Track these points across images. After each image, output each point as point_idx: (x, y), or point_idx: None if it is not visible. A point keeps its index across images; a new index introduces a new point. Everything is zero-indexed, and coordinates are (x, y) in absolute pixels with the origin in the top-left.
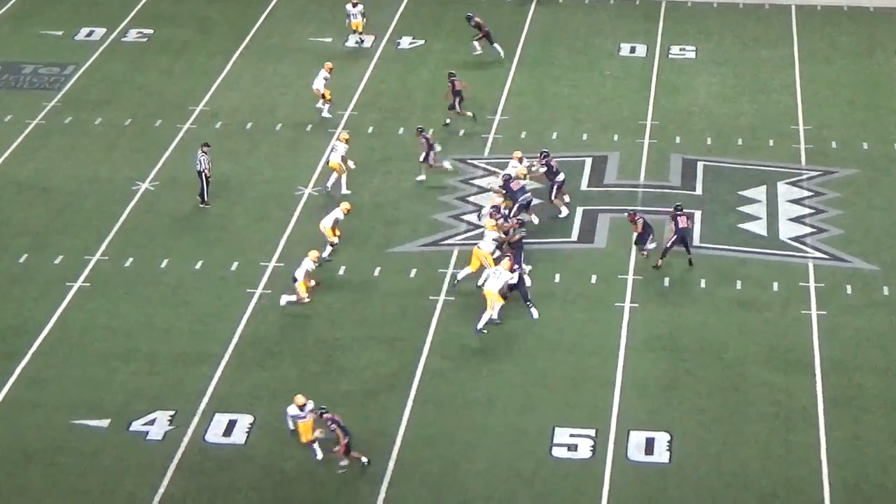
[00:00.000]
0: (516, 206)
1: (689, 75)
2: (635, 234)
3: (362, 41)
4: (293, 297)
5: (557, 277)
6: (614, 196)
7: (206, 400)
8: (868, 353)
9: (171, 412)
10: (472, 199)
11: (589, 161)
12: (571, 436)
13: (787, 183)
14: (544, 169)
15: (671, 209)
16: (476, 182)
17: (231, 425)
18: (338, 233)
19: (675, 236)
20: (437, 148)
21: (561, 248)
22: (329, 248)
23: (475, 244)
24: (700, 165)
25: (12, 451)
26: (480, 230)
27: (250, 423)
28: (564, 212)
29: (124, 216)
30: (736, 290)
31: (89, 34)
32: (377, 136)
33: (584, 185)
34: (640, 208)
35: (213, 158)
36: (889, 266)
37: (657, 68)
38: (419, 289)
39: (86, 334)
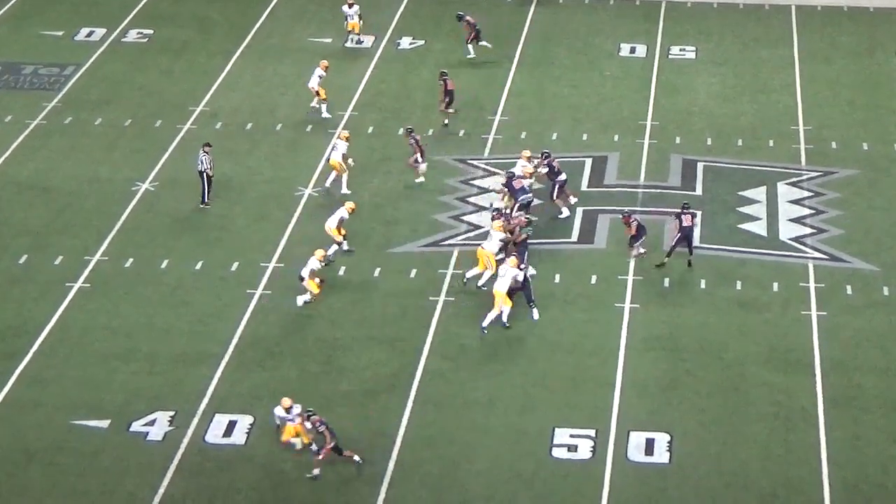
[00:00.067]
0: (516, 204)
1: (689, 75)
2: (629, 236)
3: (361, 41)
4: (307, 297)
5: (557, 278)
6: (614, 196)
7: (206, 400)
8: (868, 353)
9: (171, 413)
10: (472, 199)
11: (589, 161)
12: (571, 436)
13: (787, 183)
14: (546, 169)
15: (678, 208)
16: (476, 182)
17: (231, 426)
18: (343, 232)
19: (679, 234)
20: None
21: (561, 249)
22: (334, 248)
23: (476, 244)
24: (700, 166)
25: (12, 451)
26: (481, 230)
27: (250, 424)
28: (565, 212)
29: (124, 216)
30: (736, 290)
31: (89, 34)
32: (377, 136)
33: (584, 186)
34: (639, 208)
35: (214, 159)
36: (889, 266)
37: (657, 68)
38: (419, 289)
39: (86, 334)
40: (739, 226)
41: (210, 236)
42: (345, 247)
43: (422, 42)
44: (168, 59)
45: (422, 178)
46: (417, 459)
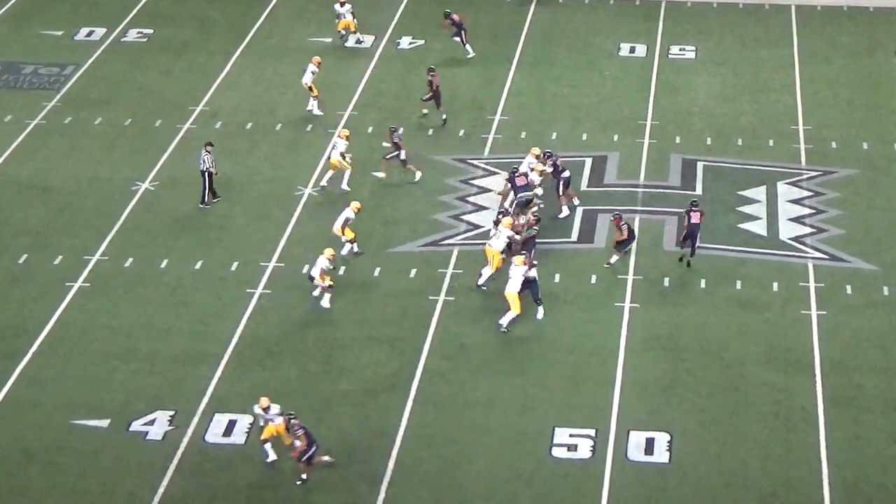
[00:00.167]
0: (515, 202)
1: (689, 75)
2: (617, 238)
3: (362, 41)
4: (328, 296)
5: (557, 277)
6: (614, 196)
7: (205, 400)
8: (868, 353)
9: (171, 412)
10: (471, 199)
11: (589, 161)
12: (571, 436)
13: (786, 183)
14: (550, 169)
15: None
16: (476, 182)
17: (231, 425)
18: (352, 234)
19: (686, 230)
20: (386, 145)
21: (561, 248)
22: (347, 247)
23: (475, 244)
24: (700, 165)
25: (12, 451)
26: (480, 230)
27: (250, 424)
28: (565, 211)
29: (124, 216)
30: (736, 290)
31: (89, 34)
32: (377, 135)
33: (584, 185)
34: (639, 208)
35: (216, 158)
36: (889, 266)
37: (657, 68)
38: (419, 289)
39: (86, 334)
40: (739, 225)
41: (210, 236)
42: (354, 248)
43: (422, 42)
44: (168, 58)
45: (418, 175)
46: (417, 459)
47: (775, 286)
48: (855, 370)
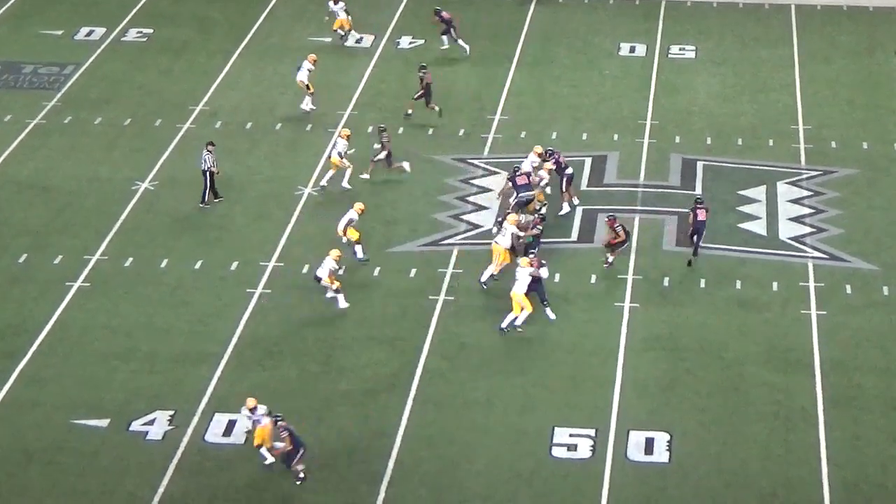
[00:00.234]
0: (515, 201)
1: (689, 75)
2: (613, 240)
3: (360, 39)
4: (340, 296)
5: (557, 277)
6: (614, 196)
7: (205, 400)
8: (868, 353)
9: (171, 412)
10: (471, 198)
11: (588, 161)
12: (571, 436)
13: (786, 183)
14: (554, 167)
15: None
16: (476, 182)
17: (231, 425)
18: (357, 236)
19: (692, 228)
20: (376, 146)
21: (561, 248)
22: (359, 247)
23: (473, 243)
24: (700, 165)
25: (12, 451)
26: (480, 229)
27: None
28: (565, 208)
29: (124, 216)
30: (736, 290)
31: (89, 34)
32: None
33: (583, 185)
34: (639, 208)
35: (217, 158)
36: (889, 266)
37: (657, 68)
38: (419, 289)
39: (86, 334)
40: (739, 225)
41: (210, 236)
42: (360, 255)
43: (421, 41)
44: (168, 58)
45: (407, 170)
46: (417, 459)
47: (775, 286)
48: (855, 370)
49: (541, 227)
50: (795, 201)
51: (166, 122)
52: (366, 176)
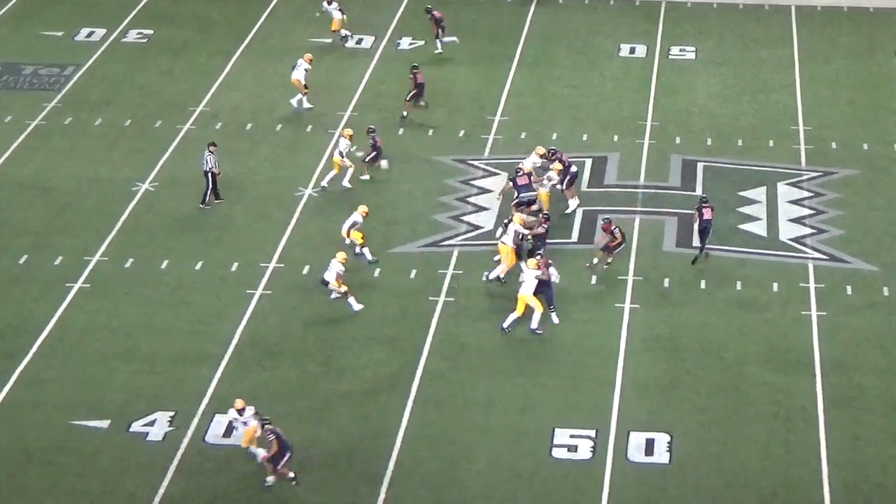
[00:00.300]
0: (515, 201)
1: (689, 76)
2: (611, 243)
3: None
4: (351, 298)
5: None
6: (614, 196)
7: (205, 400)
8: (868, 353)
9: (171, 413)
10: (472, 199)
11: (589, 161)
12: (571, 436)
13: (787, 183)
14: (560, 166)
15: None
16: (476, 183)
17: (231, 426)
18: (362, 238)
19: (698, 227)
20: (360, 154)
21: (561, 249)
22: (366, 249)
23: (473, 244)
24: (700, 166)
25: (12, 451)
26: (481, 230)
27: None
28: (572, 205)
29: (124, 216)
30: (736, 290)
31: (89, 35)
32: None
33: (584, 186)
34: (639, 208)
35: (219, 158)
36: (889, 266)
37: (657, 69)
38: (419, 289)
39: (86, 334)
40: (739, 226)
41: (210, 236)
42: (367, 256)
43: (422, 42)
44: (168, 59)
45: (367, 176)
46: (417, 459)
47: (775, 287)
48: (855, 370)
49: (545, 227)
50: (796, 202)
51: (166, 122)
52: (366, 177)
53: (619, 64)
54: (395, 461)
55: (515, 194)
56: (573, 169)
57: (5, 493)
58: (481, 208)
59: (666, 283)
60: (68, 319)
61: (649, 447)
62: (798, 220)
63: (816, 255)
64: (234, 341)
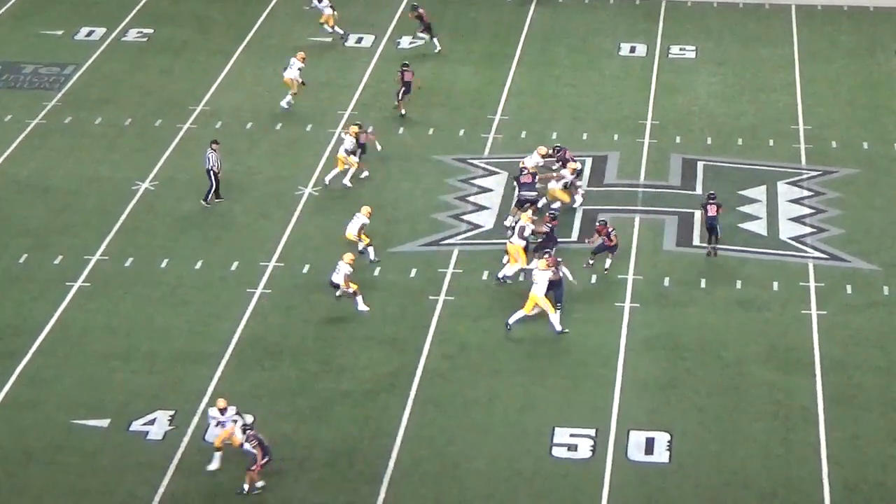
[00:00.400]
0: (515, 200)
1: (689, 75)
2: (608, 242)
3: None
4: (359, 298)
5: None
6: (614, 196)
7: (206, 400)
8: (868, 352)
9: (171, 412)
10: (472, 198)
11: (589, 161)
12: (571, 435)
13: (787, 183)
14: (560, 165)
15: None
16: (476, 182)
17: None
18: (367, 239)
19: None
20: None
21: (561, 248)
22: (371, 250)
23: (473, 243)
24: (700, 165)
25: (12, 451)
26: (481, 229)
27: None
28: (578, 201)
29: (124, 216)
30: (736, 289)
31: (89, 34)
32: (377, 135)
33: (583, 185)
34: (639, 208)
35: (222, 156)
36: (889, 266)
37: (657, 68)
38: (419, 289)
39: (86, 334)
40: (739, 225)
41: (210, 235)
42: (370, 254)
43: (421, 41)
44: (168, 58)
45: (366, 173)
46: (417, 459)
47: (775, 286)
48: (855, 369)
49: (550, 225)
50: (796, 201)
51: (166, 122)
52: (366, 174)
53: (619, 63)
54: (394, 460)
55: (516, 192)
56: (578, 166)
57: (5, 492)
58: (481, 207)
59: (666, 282)
60: (68, 319)
61: (649, 446)
62: (798, 219)
63: (816, 254)
64: (234, 340)
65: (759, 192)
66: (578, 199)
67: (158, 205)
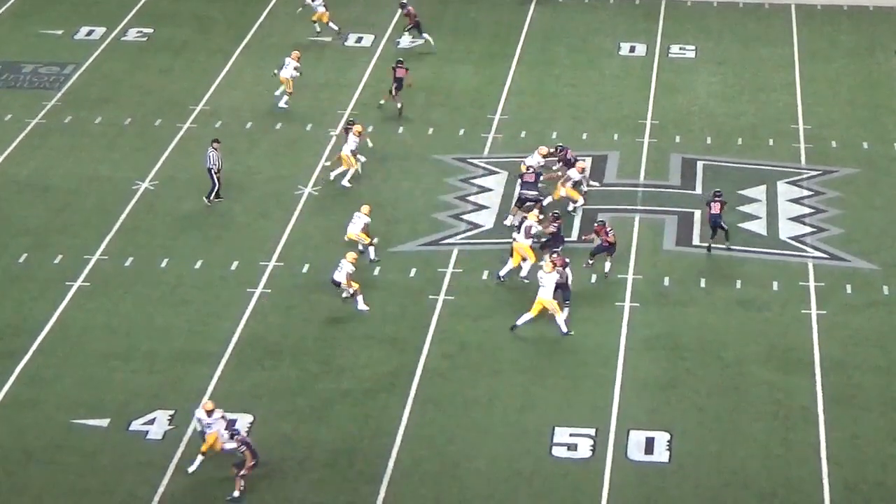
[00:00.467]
0: (516, 198)
1: (689, 74)
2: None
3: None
4: (360, 297)
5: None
6: (614, 195)
7: (205, 399)
8: (868, 352)
9: (171, 411)
10: (471, 198)
11: (589, 160)
12: (571, 435)
13: (786, 182)
14: (561, 164)
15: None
16: (476, 181)
17: (230, 425)
18: (370, 238)
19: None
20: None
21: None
22: (372, 250)
23: (473, 243)
24: (700, 165)
25: (12, 451)
26: (480, 229)
27: (250, 423)
28: (580, 201)
29: (124, 215)
30: (736, 289)
31: (89, 33)
32: (377, 135)
33: (583, 185)
34: (639, 207)
35: (222, 155)
36: (889, 265)
37: (657, 67)
38: (419, 288)
39: (85, 334)
40: (739, 225)
41: (210, 235)
42: (371, 254)
43: (421, 41)
44: (168, 57)
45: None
46: (417, 458)
47: (775, 285)
48: (855, 369)
49: (556, 225)
50: (795, 201)
51: (166, 121)
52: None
53: (618, 63)
54: (394, 460)
55: (518, 191)
56: (585, 165)
57: (5, 491)
58: (481, 207)
59: (666, 281)
60: (68, 318)
61: (649, 446)
62: (798, 219)
63: (816, 253)
64: (234, 340)
65: (758, 192)
66: (580, 199)
67: (158, 204)
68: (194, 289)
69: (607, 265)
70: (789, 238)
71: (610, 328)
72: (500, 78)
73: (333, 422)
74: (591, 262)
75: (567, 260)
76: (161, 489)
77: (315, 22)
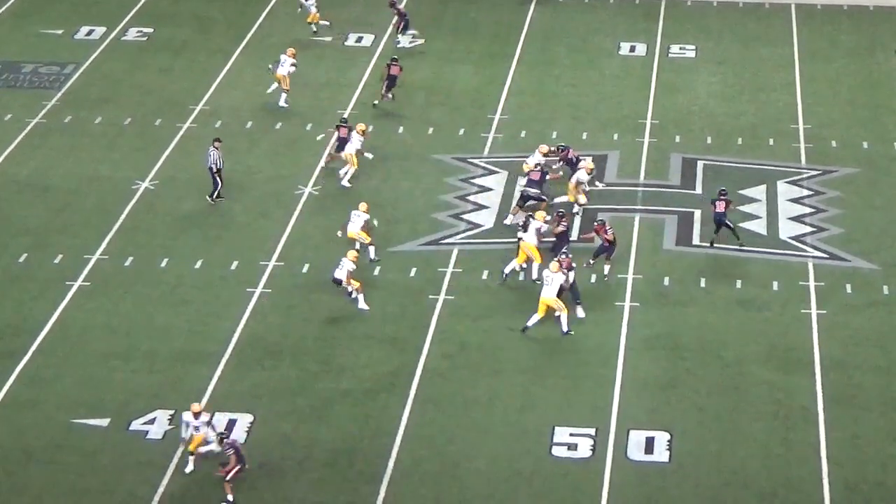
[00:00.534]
0: (518, 197)
1: (689, 74)
2: (603, 244)
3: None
4: (361, 296)
5: None
6: (614, 195)
7: (205, 399)
8: (868, 352)
9: (171, 411)
10: (471, 198)
11: (589, 160)
12: (571, 435)
13: (787, 182)
14: (562, 164)
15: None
16: (476, 181)
17: (231, 424)
18: (361, 234)
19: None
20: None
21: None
22: (372, 249)
23: (473, 243)
24: (700, 164)
25: (12, 450)
26: (480, 229)
27: (250, 423)
28: (582, 199)
29: (124, 215)
30: (736, 289)
31: (89, 33)
32: (377, 135)
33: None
34: (639, 207)
35: (223, 155)
36: (889, 265)
37: (657, 67)
38: (419, 288)
39: (85, 333)
40: (739, 224)
41: (210, 235)
42: (370, 253)
43: (421, 40)
44: (168, 57)
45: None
46: (417, 458)
47: (775, 285)
48: (855, 369)
49: (565, 224)
50: (796, 200)
51: (166, 121)
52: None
53: (618, 62)
54: (394, 460)
55: (521, 188)
56: (592, 165)
57: (5, 491)
58: (481, 206)
59: (666, 281)
60: (68, 318)
61: (649, 446)
62: (798, 219)
63: (816, 253)
64: (234, 340)
65: (758, 192)
66: (583, 198)
67: (158, 204)
68: (194, 289)
69: (606, 268)
70: (789, 238)
71: (610, 328)
72: (500, 78)
73: (333, 422)
74: (591, 262)
75: (574, 264)
76: (161, 489)
77: (311, 23)
